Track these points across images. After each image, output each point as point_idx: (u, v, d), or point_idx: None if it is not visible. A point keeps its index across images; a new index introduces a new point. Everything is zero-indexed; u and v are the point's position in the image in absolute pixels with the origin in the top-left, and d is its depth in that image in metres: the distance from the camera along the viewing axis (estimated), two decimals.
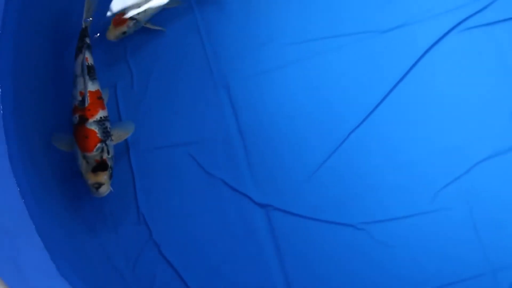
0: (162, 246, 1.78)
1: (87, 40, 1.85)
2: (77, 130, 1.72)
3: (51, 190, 1.79)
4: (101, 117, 1.75)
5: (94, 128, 1.72)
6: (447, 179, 1.75)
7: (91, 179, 1.68)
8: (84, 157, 1.69)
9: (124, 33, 1.91)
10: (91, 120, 1.72)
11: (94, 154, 1.69)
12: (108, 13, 1.97)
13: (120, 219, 1.81)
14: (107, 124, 1.77)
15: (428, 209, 1.74)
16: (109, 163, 1.71)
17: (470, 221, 1.73)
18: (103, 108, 1.78)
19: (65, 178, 1.82)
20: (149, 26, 1.96)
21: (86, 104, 1.73)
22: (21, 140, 1.76)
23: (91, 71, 1.80)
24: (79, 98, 1.75)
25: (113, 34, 1.90)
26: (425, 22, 1.89)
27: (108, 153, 1.72)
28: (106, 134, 1.74)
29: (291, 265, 1.75)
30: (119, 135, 1.79)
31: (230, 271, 1.76)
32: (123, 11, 1.92)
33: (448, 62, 1.85)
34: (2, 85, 1.79)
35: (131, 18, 1.91)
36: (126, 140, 1.88)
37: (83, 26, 1.88)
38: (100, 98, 1.79)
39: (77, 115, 1.74)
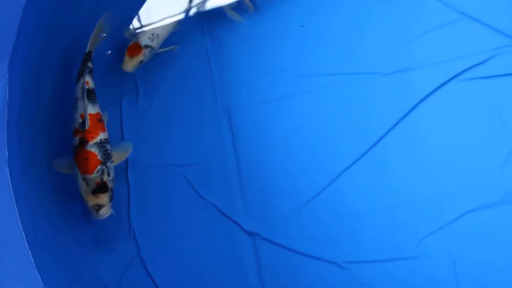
0: (148, 264, 1.80)
1: (89, 65, 1.88)
2: (77, 152, 1.74)
3: (45, 201, 1.83)
4: (101, 140, 1.77)
5: (94, 150, 1.74)
6: (433, 227, 1.77)
7: (91, 201, 1.70)
8: (84, 179, 1.71)
9: (141, 62, 1.93)
10: (91, 143, 1.74)
11: (94, 176, 1.71)
12: (126, 34, 2.00)
13: (111, 232, 1.84)
14: (108, 146, 1.79)
15: (411, 255, 1.75)
16: (110, 185, 1.73)
17: (451, 272, 1.74)
18: (103, 131, 1.80)
19: (61, 191, 1.86)
20: (162, 50, 1.99)
21: (87, 127, 1.75)
22: (22, 152, 1.80)
23: (91, 95, 1.83)
24: (80, 120, 1.77)
25: (130, 65, 1.91)
26: (427, 68, 1.92)
27: (108, 175, 1.73)
28: (107, 156, 1.76)
29: None
30: (118, 156, 1.81)
31: None
32: (136, 40, 1.94)
33: (445, 110, 1.88)
34: (10, 93, 1.84)
35: (146, 46, 1.93)
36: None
37: (87, 50, 1.91)
38: (100, 120, 1.82)
39: (77, 138, 1.76)
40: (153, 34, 1.95)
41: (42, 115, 1.90)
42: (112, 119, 1.93)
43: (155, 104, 1.98)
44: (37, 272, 1.67)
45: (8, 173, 1.70)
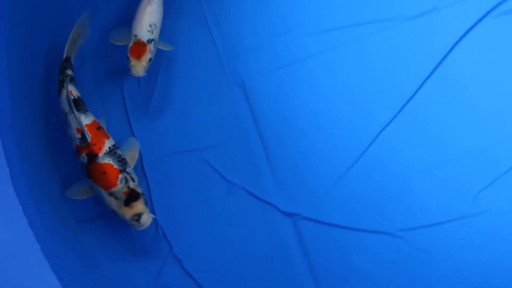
0: (184, 261, 1.63)
1: (69, 72, 1.67)
2: (91, 169, 1.57)
3: (61, 211, 1.64)
4: (109, 147, 1.60)
5: (108, 160, 1.57)
6: (488, 179, 1.63)
7: (128, 213, 1.54)
8: (111, 194, 1.55)
9: (150, 60, 1.71)
10: (101, 154, 1.57)
11: (120, 187, 1.55)
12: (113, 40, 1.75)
13: (137, 234, 1.65)
14: (119, 152, 1.62)
15: (469, 213, 1.61)
16: (139, 190, 1.57)
17: None
18: (107, 137, 1.62)
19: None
20: (161, 47, 1.76)
21: (89, 140, 1.58)
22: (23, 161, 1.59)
23: (79, 104, 1.64)
24: (78, 136, 1.59)
25: (140, 67, 1.67)
26: (456, 6, 1.74)
27: (133, 180, 1.58)
28: (122, 161, 1.60)
29: (325, 279, 1.61)
30: (130, 156, 1.65)
31: (258, 286, 1.63)
32: (136, 38, 1.70)
33: (483, 51, 1.72)
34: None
35: (149, 40, 1.70)
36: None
37: (64, 57, 1.70)
38: (99, 128, 1.63)
39: (83, 155, 1.58)
40: (150, 25, 1.71)
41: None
42: (117, 113, 1.75)
43: (158, 88, 1.78)
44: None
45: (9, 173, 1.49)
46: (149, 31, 1.70)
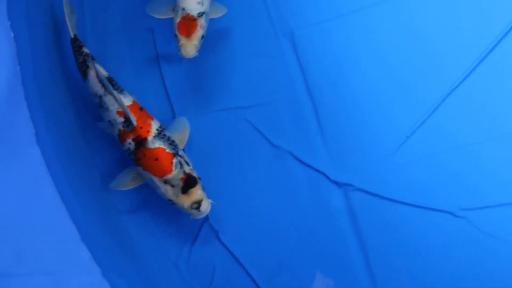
0: (221, 232, 1.50)
1: (86, 50, 1.51)
2: (141, 156, 1.42)
3: (90, 181, 1.51)
4: (157, 129, 1.45)
5: (159, 144, 1.42)
6: None
7: (186, 201, 1.40)
8: (166, 182, 1.40)
9: (202, 37, 1.49)
10: (150, 138, 1.42)
11: (175, 173, 1.40)
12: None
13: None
14: (166, 133, 1.47)
15: None
16: (195, 174, 1.43)
17: None
18: (152, 118, 1.47)
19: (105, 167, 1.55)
20: (213, 15, 1.53)
21: (135, 123, 1.42)
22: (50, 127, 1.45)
23: (112, 83, 1.48)
24: (121, 119, 1.43)
25: (191, 47, 1.46)
26: None
27: (187, 164, 1.43)
28: (173, 144, 1.45)
29: (375, 257, 1.48)
30: (180, 138, 1.49)
31: (302, 260, 1.49)
32: (184, 12, 1.47)
33: None
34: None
35: (199, 14, 1.48)
36: (171, 106, 1.59)
37: (72, 36, 1.52)
38: (141, 108, 1.48)
39: (129, 140, 1.42)
40: None
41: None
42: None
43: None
44: (91, 257, 1.37)
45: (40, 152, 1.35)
46: (199, 2, 1.48)
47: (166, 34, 1.60)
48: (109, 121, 1.45)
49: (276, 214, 1.52)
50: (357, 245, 1.49)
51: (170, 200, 1.42)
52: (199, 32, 1.46)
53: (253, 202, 1.53)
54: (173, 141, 1.45)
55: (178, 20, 1.46)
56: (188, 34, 1.45)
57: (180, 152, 1.45)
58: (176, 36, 1.46)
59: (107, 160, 1.55)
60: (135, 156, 1.43)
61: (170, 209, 1.49)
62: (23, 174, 1.34)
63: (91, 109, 1.55)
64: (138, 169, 1.44)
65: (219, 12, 1.54)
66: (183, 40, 1.45)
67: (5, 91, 1.36)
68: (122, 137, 1.44)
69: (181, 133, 1.50)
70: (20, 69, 1.39)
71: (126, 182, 1.46)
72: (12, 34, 1.39)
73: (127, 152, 1.45)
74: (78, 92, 1.57)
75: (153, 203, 1.52)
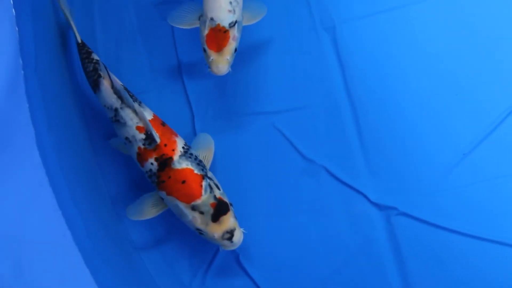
0: (241, 255, 1.31)
1: (96, 57, 1.33)
2: (164, 178, 1.22)
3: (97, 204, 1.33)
4: (183, 147, 1.26)
5: (186, 164, 1.23)
6: None
7: (217, 230, 1.21)
8: (194, 208, 1.21)
9: (235, 50, 1.28)
10: (176, 157, 1.22)
11: (205, 198, 1.21)
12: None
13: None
14: (193, 151, 1.28)
15: None
16: (226, 199, 1.24)
17: None
18: (175, 135, 1.28)
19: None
20: (247, 21, 1.31)
21: (158, 140, 1.22)
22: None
23: (129, 95, 1.28)
24: (141, 136, 1.23)
25: (223, 63, 1.25)
26: None
27: (218, 187, 1.24)
28: (201, 164, 1.26)
29: (419, 286, 1.27)
30: (205, 157, 1.30)
31: (339, 283, 1.29)
32: (213, 23, 1.25)
33: None
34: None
35: (231, 24, 1.26)
36: (190, 107, 1.40)
37: (79, 41, 1.34)
38: (164, 123, 1.28)
39: (151, 160, 1.23)
40: (231, 2, 1.26)
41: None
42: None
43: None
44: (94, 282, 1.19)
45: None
46: (230, 10, 1.26)
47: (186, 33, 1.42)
48: (127, 138, 1.26)
49: (305, 239, 1.32)
50: (398, 278, 1.27)
51: (198, 230, 1.22)
52: (231, 45, 1.25)
53: (279, 223, 1.33)
54: (200, 161, 1.26)
55: (206, 32, 1.25)
56: (219, 48, 1.24)
57: (209, 174, 1.26)
58: (205, 50, 1.25)
59: (120, 184, 1.37)
60: (158, 178, 1.23)
61: (184, 227, 1.30)
62: (28, 196, 1.18)
63: (101, 125, 1.38)
64: (160, 194, 1.25)
65: (258, 16, 1.32)
66: (213, 56, 1.25)
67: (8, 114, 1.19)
68: (142, 156, 1.24)
69: (206, 152, 1.31)
70: (25, 86, 1.21)
71: (146, 210, 1.27)
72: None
73: (147, 174, 1.25)
74: (87, 106, 1.41)
75: (164, 220, 1.33)
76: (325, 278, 1.30)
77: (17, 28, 1.21)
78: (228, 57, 1.24)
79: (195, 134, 1.38)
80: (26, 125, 1.15)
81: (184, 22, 1.31)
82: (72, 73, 1.41)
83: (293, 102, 1.38)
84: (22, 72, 1.19)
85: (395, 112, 1.35)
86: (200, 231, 1.22)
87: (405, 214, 1.30)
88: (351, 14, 1.40)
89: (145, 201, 1.27)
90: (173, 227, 1.33)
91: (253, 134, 1.37)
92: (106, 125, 1.36)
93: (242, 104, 1.39)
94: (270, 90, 1.38)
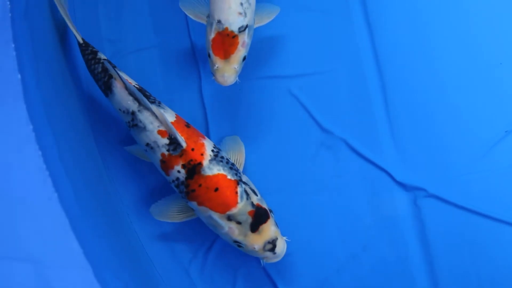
0: None
1: (102, 55, 1.16)
2: (195, 187, 1.08)
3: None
4: (212, 150, 1.11)
5: (218, 170, 1.09)
6: None
7: (258, 241, 1.08)
8: (230, 218, 1.08)
9: (244, 58, 1.12)
10: (206, 162, 1.08)
11: (241, 206, 1.08)
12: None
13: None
14: (223, 154, 1.13)
15: None
16: (265, 205, 1.10)
17: None
18: (202, 136, 1.13)
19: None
20: (259, 22, 1.15)
21: (184, 145, 1.07)
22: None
23: (146, 95, 1.14)
24: (164, 141, 1.08)
25: (229, 72, 1.10)
26: None
27: (255, 192, 1.10)
28: (234, 167, 1.12)
29: (445, 276, 1.15)
30: (236, 158, 1.17)
31: (351, 277, 1.17)
32: (221, 27, 1.09)
33: None
34: None
35: (241, 28, 1.09)
36: (198, 70, 1.25)
37: (81, 42, 1.17)
38: (188, 125, 1.13)
39: (178, 168, 1.08)
40: (242, 4, 1.10)
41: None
42: None
43: None
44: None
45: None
46: (240, 13, 1.10)
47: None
48: (148, 144, 1.10)
49: (320, 220, 1.20)
50: (423, 266, 1.16)
51: (236, 242, 1.09)
52: (240, 53, 1.10)
53: (291, 201, 1.21)
54: (233, 164, 1.13)
55: (212, 35, 1.09)
56: (226, 56, 1.09)
57: (244, 178, 1.12)
58: (209, 56, 1.10)
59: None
60: (187, 187, 1.09)
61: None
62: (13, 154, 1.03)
63: (95, 85, 1.21)
64: (190, 205, 1.11)
65: (270, 16, 1.17)
66: (219, 63, 1.09)
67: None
68: (167, 164, 1.09)
69: (236, 154, 1.18)
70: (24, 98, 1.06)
71: (171, 215, 1.15)
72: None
73: (174, 184, 1.11)
74: (79, 62, 1.24)
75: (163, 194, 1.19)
76: (341, 264, 1.17)
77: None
78: (236, 66, 1.09)
79: (202, 97, 1.23)
80: (13, 75, 1.00)
81: (193, 12, 1.16)
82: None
83: (312, 66, 1.24)
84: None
85: (429, 81, 1.21)
86: (238, 244, 1.08)
87: (434, 196, 1.17)
88: None
89: (171, 205, 1.15)
90: None
91: (265, 101, 1.23)
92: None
93: (254, 67, 1.24)
94: (286, 51, 1.24)
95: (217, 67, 1.08)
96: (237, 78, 1.10)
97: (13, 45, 1.02)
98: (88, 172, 1.18)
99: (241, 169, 1.15)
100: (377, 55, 1.22)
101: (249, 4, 1.10)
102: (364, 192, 1.19)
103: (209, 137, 1.22)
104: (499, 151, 1.19)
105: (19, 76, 1.02)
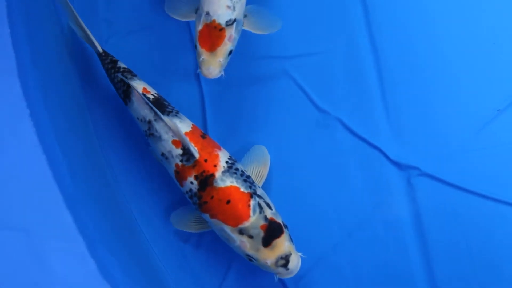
0: None
1: (122, 64, 1.17)
2: (207, 199, 1.08)
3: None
4: (226, 161, 1.10)
5: (231, 182, 1.08)
6: None
7: (270, 256, 1.07)
8: (242, 232, 1.07)
9: (230, 52, 1.12)
10: (219, 174, 1.07)
11: (254, 220, 1.07)
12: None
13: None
14: (239, 166, 1.12)
15: None
16: (279, 219, 1.09)
17: None
18: (218, 147, 1.12)
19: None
20: (254, 28, 1.16)
21: (197, 156, 1.07)
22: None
23: (164, 104, 1.14)
24: (178, 151, 1.08)
25: (215, 65, 1.09)
26: None
27: (269, 206, 1.09)
28: (248, 180, 1.11)
29: (437, 253, 1.17)
30: (258, 172, 1.16)
31: (348, 255, 1.18)
32: (209, 19, 1.09)
33: None
34: None
35: (228, 22, 1.09)
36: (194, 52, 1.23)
37: (101, 50, 1.17)
38: (204, 135, 1.13)
39: (190, 179, 1.08)
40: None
41: None
42: None
43: None
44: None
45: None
46: (229, 6, 1.10)
47: None
48: (163, 154, 1.11)
49: (315, 198, 1.21)
50: (417, 244, 1.18)
51: (248, 256, 1.09)
52: (226, 46, 1.10)
53: (286, 180, 1.22)
54: (248, 177, 1.11)
55: (200, 27, 1.10)
56: (212, 48, 1.09)
57: (259, 191, 1.11)
58: (196, 47, 1.10)
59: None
60: (200, 199, 1.08)
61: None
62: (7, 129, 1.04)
63: (93, 63, 1.22)
64: (204, 217, 1.11)
65: (267, 29, 1.16)
66: (204, 55, 1.09)
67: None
68: (181, 174, 1.09)
69: (260, 167, 1.17)
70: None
71: (189, 224, 1.15)
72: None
73: (187, 195, 1.11)
74: (76, 46, 1.25)
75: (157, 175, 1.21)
76: (336, 243, 1.18)
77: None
78: (221, 59, 1.09)
79: (199, 79, 1.24)
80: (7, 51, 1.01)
81: (180, 13, 1.16)
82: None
83: (307, 47, 1.25)
84: None
85: (422, 62, 1.23)
86: (250, 258, 1.08)
87: (427, 175, 1.19)
88: None
89: (189, 214, 1.15)
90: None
91: (261, 81, 1.24)
92: (96, 62, 1.21)
93: (250, 47, 1.24)
94: (281, 31, 1.21)
95: (203, 59, 1.09)
96: (222, 72, 1.09)
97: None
98: (82, 142, 1.19)
99: (262, 182, 1.14)
100: (372, 35, 1.23)
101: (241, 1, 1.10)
102: (359, 170, 1.21)
103: (205, 120, 1.22)
104: (491, 130, 1.19)
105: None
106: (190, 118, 1.17)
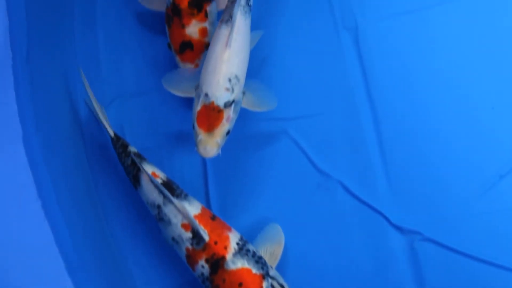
0: None
1: (133, 149, 1.18)
2: (219, 282, 1.06)
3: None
4: (237, 243, 1.09)
5: (242, 264, 1.06)
6: None
7: None
8: None
9: (228, 133, 1.13)
10: (229, 256, 1.06)
11: None
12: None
13: None
14: (250, 247, 1.11)
15: None
16: None
17: None
18: (228, 229, 1.11)
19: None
20: (251, 106, 1.17)
21: (207, 238, 1.06)
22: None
23: (173, 188, 1.13)
24: (188, 235, 1.08)
25: (212, 145, 1.10)
26: None
27: (282, 287, 1.07)
28: (260, 261, 1.09)
29: None
30: (272, 252, 1.14)
31: None
32: (208, 101, 1.10)
33: None
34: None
35: (227, 104, 1.10)
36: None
37: (112, 136, 1.19)
38: (214, 217, 1.12)
39: (201, 262, 1.07)
40: (230, 80, 1.11)
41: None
42: None
43: None
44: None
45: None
46: (227, 89, 1.10)
47: None
48: (173, 239, 1.10)
49: (316, 262, 1.18)
50: None
51: None
52: (224, 127, 1.10)
53: (287, 243, 1.16)
54: (260, 258, 1.09)
55: (198, 108, 1.10)
56: (210, 129, 1.09)
57: (272, 272, 1.09)
58: (194, 127, 1.11)
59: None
60: (212, 283, 1.07)
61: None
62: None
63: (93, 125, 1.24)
64: None
65: (264, 107, 1.17)
66: (202, 135, 1.09)
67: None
68: (192, 258, 1.08)
69: (274, 246, 1.15)
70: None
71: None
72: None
73: (200, 279, 1.09)
74: (79, 107, 1.27)
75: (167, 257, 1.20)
76: None
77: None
78: (219, 140, 1.09)
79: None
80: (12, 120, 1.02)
81: (179, 88, 1.17)
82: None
83: (308, 108, 1.24)
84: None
85: (422, 124, 1.21)
86: None
87: (430, 240, 1.15)
88: (376, 14, 1.27)
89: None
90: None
91: (263, 142, 1.24)
92: (96, 125, 1.24)
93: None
94: (283, 93, 1.24)
95: (200, 139, 1.08)
96: (219, 151, 1.09)
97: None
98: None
99: (276, 262, 1.12)
100: (370, 96, 1.23)
101: (238, 80, 1.10)
102: (361, 234, 1.18)
103: (206, 180, 1.23)
104: (494, 195, 1.16)
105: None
106: (191, 180, 1.18)
